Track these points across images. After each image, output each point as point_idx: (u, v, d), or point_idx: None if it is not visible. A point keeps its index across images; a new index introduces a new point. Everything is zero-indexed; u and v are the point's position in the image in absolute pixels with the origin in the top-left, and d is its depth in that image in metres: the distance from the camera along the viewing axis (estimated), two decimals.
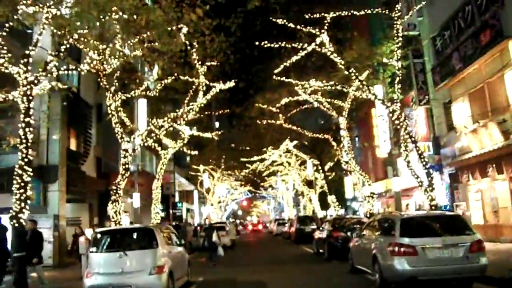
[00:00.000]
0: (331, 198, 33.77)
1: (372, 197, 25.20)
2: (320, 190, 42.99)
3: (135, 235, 12.60)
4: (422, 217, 12.10)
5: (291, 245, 33.95)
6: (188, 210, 58.40)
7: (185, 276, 14.06)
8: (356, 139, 42.34)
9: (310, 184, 45.14)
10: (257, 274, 16.82)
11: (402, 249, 10.39)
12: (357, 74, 19.04)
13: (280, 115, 26.69)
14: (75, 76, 24.21)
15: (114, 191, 17.66)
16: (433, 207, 16.90)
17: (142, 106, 21.64)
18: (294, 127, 27.62)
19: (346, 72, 18.66)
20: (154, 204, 23.92)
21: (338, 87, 22.83)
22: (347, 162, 26.15)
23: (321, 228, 22.81)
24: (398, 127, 18.69)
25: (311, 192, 43.82)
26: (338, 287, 13.53)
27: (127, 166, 17.85)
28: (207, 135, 26.20)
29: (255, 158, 40.67)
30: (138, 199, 21.45)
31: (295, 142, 37.11)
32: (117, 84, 18.62)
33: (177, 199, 52.67)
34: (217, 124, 50.69)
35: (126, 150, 17.99)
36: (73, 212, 26.29)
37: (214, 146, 43.43)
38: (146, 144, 21.98)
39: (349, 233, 19.11)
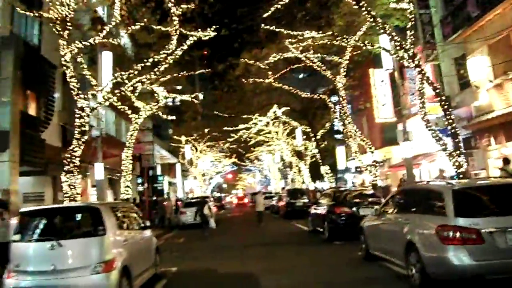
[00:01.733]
0: (325, 169, 30.70)
1: (375, 166, 22.11)
2: (310, 161, 39.95)
3: (75, 217, 9.13)
4: (484, 187, 8.41)
5: (280, 221, 30.87)
6: (170, 184, 55.45)
7: (151, 269, 10.79)
8: (349, 106, 39.07)
9: (299, 154, 42.02)
10: (245, 262, 13.60)
11: (460, 235, 7.11)
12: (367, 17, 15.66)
13: (269, 73, 23.17)
14: (36, 30, 20.81)
15: (68, 159, 14.30)
16: (461, 175, 13.79)
17: (106, 60, 18.03)
18: (285, 87, 24.00)
19: (356, 6, 15.15)
20: (124, 176, 20.58)
21: (334, 42, 19.54)
22: (344, 125, 22.82)
23: (318, 203, 19.62)
24: (418, 80, 15.43)
25: (301, 163, 40.64)
26: (357, 285, 9.82)
27: (83, 128, 14.49)
28: (186, 97, 22.68)
29: (241, 126, 37.35)
30: (101, 170, 18.07)
31: (284, 108, 33.86)
32: (71, 28, 15.06)
33: (158, 172, 49.82)
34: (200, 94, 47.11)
35: (81, 109, 14.61)
36: (33, 187, 22.94)
37: (196, 113, 39.92)
38: (112, 104, 18.69)
39: (354, 209, 15.96)
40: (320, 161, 31.26)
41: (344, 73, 22.07)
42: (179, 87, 22.89)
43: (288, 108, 33.80)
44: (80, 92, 14.77)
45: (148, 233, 11.11)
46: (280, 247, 16.33)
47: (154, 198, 30.18)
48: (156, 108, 21.65)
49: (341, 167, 43.20)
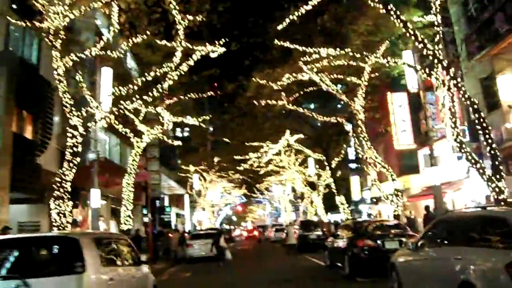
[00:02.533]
0: (340, 199, 28.98)
1: (397, 195, 20.34)
2: (324, 191, 38.15)
3: (48, 250, 7.44)
4: None
5: (294, 255, 28.93)
6: (178, 215, 53.74)
7: None
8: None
9: (311, 185, 40.28)
10: None
11: None
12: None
13: (283, 94, 21.58)
14: (35, 48, 19.62)
15: (58, 184, 12.73)
16: (502, 202, 12.07)
17: (105, 76, 16.60)
18: (299, 109, 22.35)
19: (383, 10, 13.68)
20: (125, 205, 18.98)
21: (352, 62, 18.13)
22: (363, 151, 21.10)
23: (335, 235, 17.84)
24: (446, 100, 13.84)
25: (313, 194, 38.82)
26: None
27: (75, 149, 12.96)
28: (193, 121, 21.16)
29: (251, 155, 35.73)
30: (97, 197, 16.45)
31: (297, 136, 32.28)
32: (64, 38, 13.69)
33: (166, 203, 48.32)
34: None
35: (74, 127, 13.10)
36: (29, 215, 21.44)
37: (205, 139, 38.42)
38: (114, 128, 17.27)
39: (378, 242, 14.19)
40: (335, 191, 29.50)
41: (363, 95, 20.50)
42: (188, 118, 21.41)
43: (301, 136, 32.20)
44: (73, 109, 13.30)
45: (143, 269, 9.46)
46: (295, 285, 14.53)
47: (159, 230, 28.39)
48: (160, 132, 20.14)
49: (356, 197, 41.34)
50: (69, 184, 13.02)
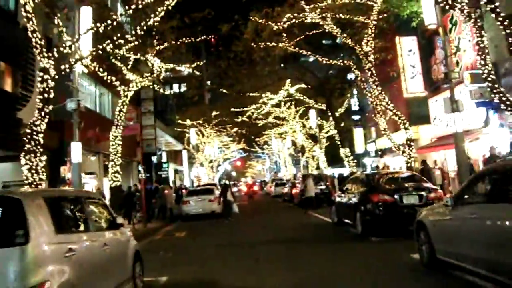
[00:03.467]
0: (344, 151, 27.33)
1: (410, 145, 18.65)
2: (326, 144, 36.51)
3: None
4: None
5: (295, 210, 27.48)
6: (176, 171, 52.42)
7: (127, 283, 7.50)
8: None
9: (313, 138, 38.59)
10: (261, 268, 10.17)
11: None
12: None
13: (284, 34, 19.48)
14: None
15: (28, 136, 10.98)
16: None
17: (85, 17, 14.52)
18: (303, 51, 20.23)
19: None
20: (112, 160, 17.31)
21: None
22: (373, 97, 19.21)
23: (344, 189, 16.22)
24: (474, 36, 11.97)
25: (315, 147, 37.15)
26: None
27: (46, 95, 11.13)
28: (183, 68, 19.25)
29: (250, 107, 33.90)
30: (77, 151, 14.62)
31: (298, 86, 30.36)
32: None
33: (164, 159, 46.91)
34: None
35: (44, 70, 11.22)
36: (12, 174, 19.88)
37: (203, 95, 36.52)
38: (101, 78, 15.47)
39: (396, 196, 12.55)
40: (339, 142, 27.81)
41: (373, 36, 18.52)
42: (181, 66, 19.38)
43: (303, 85, 30.26)
44: (44, 50, 11.43)
45: (121, 234, 7.78)
46: (304, 245, 12.92)
47: (154, 185, 26.74)
48: (150, 80, 18.27)
49: (359, 150, 39.67)
50: (41, 136, 11.28)
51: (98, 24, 12.51)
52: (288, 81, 29.51)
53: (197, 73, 20.15)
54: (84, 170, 25.43)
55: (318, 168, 40.17)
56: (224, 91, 30.39)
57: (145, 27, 13.35)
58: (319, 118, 34.21)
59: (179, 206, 26.05)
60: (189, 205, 24.97)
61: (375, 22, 18.22)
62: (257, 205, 36.68)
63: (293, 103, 36.10)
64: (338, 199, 16.50)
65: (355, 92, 33.11)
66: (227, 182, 32.80)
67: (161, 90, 20.48)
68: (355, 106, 39.70)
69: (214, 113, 43.91)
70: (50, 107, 11.44)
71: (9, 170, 19.91)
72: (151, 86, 19.77)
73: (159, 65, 18.19)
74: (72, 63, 11.84)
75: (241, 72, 25.96)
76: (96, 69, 16.51)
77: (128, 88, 17.34)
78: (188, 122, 44.31)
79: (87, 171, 25.50)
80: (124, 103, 17.34)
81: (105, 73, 16.94)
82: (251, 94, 29.54)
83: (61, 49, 11.41)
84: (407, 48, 25.44)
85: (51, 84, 11.29)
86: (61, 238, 5.57)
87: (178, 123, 44.35)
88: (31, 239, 4.95)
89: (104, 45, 12.53)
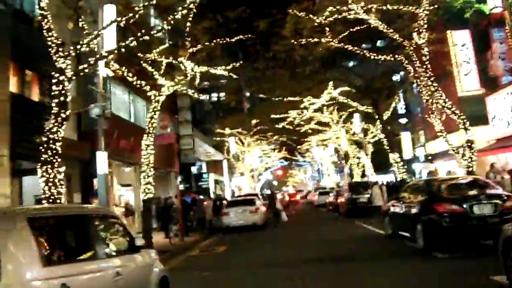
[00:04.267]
0: (394, 157, 25.47)
1: (471, 147, 16.78)
2: (372, 149, 34.65)
3: None
4: None
5: (342, 220, 25.79)
6: (217, 181, 51.26)
7: None
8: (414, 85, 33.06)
9: (357, 144, 36.75)
10: None
11: None
12: None
13: (327, 29, 17.80)
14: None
15: (45, 145, 9.76)
16: None
17: (108, 15, 13.33)
18: (348, 47, 18.48)
19: None
20: (144, 171, 16.06)
21: None
22: (429, 94, 17.33)
23: (399, 198, 14.50)
24: None
25: (361, 153, 35.27)
26: None
27: (62, 99, 9.88)
28: (219, 71, 17.87)
29: (291, 112, 32.33)
30: (104, 160, 13.42)
31: (341, 89, 28.65)
32: None
33: (204, 170, 45.99)
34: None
35: (61, 71, 9.97)
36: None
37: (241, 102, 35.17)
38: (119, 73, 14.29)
39: (465, 206, 10.80)
40: (388, 147, 25.98)
41: (425, 27, 16.75)
42: (215, 68, 18.06)
43: (347, 88, 28.52)
44: (60, 49, 10.21)
45: (142, 258, 6.36)
46: (358, 264, 11.22)
47: (190, 197, 25.38)
48: (181, 84, 16.95)
49: (407, 156, 37.56)
50: (58, 144, 10.05)
51: (120, 18, 11.15)
52: (331, 83, 27.80)
53: (234, 76, 18.68)
54: (120, 182, 24.54)
55: (363, 175, 38.30)
56: (263, 96, 28.94)
57: (172, 22, 11.93)
58: (363, 122, 32.43)
59: (218, 218, 24.66)
60: (228, 216, 23.56)
61: (427, 12, 16.46)
62: (301, 215, 35.04)
63: (336, 107, 34.44)
64: (392, 209, 14.78)
65: (401, 94, 31.19)
66: (275, 191, 32.12)
67: (196, 95, 19.09)
68: (401, 109, 37.80)
69: (253, 121, 42.68)
70: (68, 112, 10.18)
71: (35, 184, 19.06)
72: (185, 92, 18.41)
73: (192, 68, 16.89)
74: (92, 62, 10.55)
75: (281, 74, 24.26)
76: (125, 73, 15.30)
77: (159, 93, 16.06)
78: (227, 131, 43.17)
79: (123, 183, 24.53)
80: (155, 109, 16.06)
81: (134, 78, 15.72)
82: (291, 98, 27.93)
83: (79, 47, 10.12)
84: (460, 43, 23.51)
85: (68, 86, 10.04)
86: (51, 271, 4.19)
87: (217, 132, 43.30)
88: (2, 277, 3.59)
89: (128, 42, 11.19)
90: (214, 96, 61.74)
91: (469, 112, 24.82)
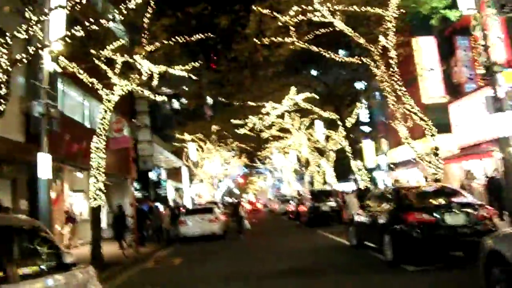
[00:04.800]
0: (356, 164, 24.97)
1: (437, 155, 16.29)
2: (334, 156, 34.08)
3: None
4: None
5: (304, 229, 25.08)
6: (176, 189, 49.97)
7: None
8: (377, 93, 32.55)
9: (319, 151, 36.11)
10: None
11: None
12: None
13: (292, 28, 17.00)
14: None
15: None
16: None
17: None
18: (313, 47, 17.75)
19: None
20: (94, 176, 14.90)
21: None
22: (396, 99, 16.78)
23: (364, 206, 13.81)
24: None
25: (322, 160, 34.63)
26: None
27: None
28: (177, 71, 16.81)
29: (252, 118, 31.44)
30: (47, 163, 12.25)
31: (304, 95, 27.93)
32: None
33: (164, 177, 44.71)
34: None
35: None
36: None
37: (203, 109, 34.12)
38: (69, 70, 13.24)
39: (435, 215, 10.13)
40: (351, 155, 25.45)
41: (393, 29, 16.20)
42: (174, 68, 17.01)
43: (308, 94, 27.81)
44: None
45: (72, 277, 5.34)
46: (323, 278, 10.41)
47: (144, 205, 24.18)
48: (137, 82, 15.88)
49: (370, 164, 37.15)
50: None
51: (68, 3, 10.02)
52: (293, 88, 27.10)
53: (193, 77, 17.67)
54: (72, 188, 23.22)
55: (325, 183, 37.70)
56: (224, 100, 27.99)
57: (125, 12, 10.93)
58: (324, 130, 31.84)
59: (175, 227, 23.57)
60: (186, 225, 22.47)
61: (395, 15, 15.91)
62: (262, 224, 34.18)
63: (297, 115, 33.77)
64: (357, 218, 14.10)
65: (364, 102, 30.70)
66: (239, 199, 31.73)
67: (153, 96, 17.97)
68: (365, 117, 37.43)
69: (214, 127, 41.69)
70: (2, 107, 9.05)
71: None
72: (141, 92, 17.30)
73: (149, 67, 15.85)
74: (32, 51, 9.43)
75: (243, 76, 23.25)
76: (75, 70, 14.18)
77: (111, 91, 14.95)
78: (187, 136, 42.01)
79: (75, 188, 23.22)
80: (106, 109, 14.93)
81: (85, 75, 14.59)
82: (252, 103, 27.10)
83: (16, 32, 8.98)
84: (425, 49, 23.14)
85: (3, 78, 8.91)
86: None
87: (177, 137, 42.12)
88: None
89: (76, 30, 10.12)
90: (175, 103, 60.65)
91: (432, 119, 24.58)
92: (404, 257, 10.45)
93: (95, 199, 14.82)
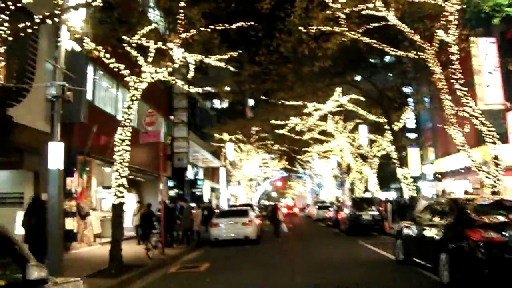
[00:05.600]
0: (403, 172, 23.23)
1: (497, 164, 14.55)
2: (377, 164, 32.37)
3: None
4: None
5: (343, 238, 23.46)
6: (213, 189, 49.10)
7: None
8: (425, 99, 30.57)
9: (362, 157, 34.36)
10: None
11: None
12: None
13: (341, 15, 15.35)
14: None
15: None
16: None
17: None
18: (365, 39, 16.04)
19: None
20: (117, 170, 13.70)
21: None
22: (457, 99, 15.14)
23: (415, 219, 12.22)
24: None
25: (365, 166, 32.83)
26: None
27: None
28: (213, 61, 15.45)
29: (293, 119, 30.04)
30: (58, 152, 11.04)
31: (349, 96, 26.31)
32: None
33: (201, 176, 43.84)
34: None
35: None
36: (12, 185, 16.86)
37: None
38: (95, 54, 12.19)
39: (506, 234, 8.51)
40: (398, 162, 23.74)
41: (455, 22, 14.52)
42: (209, 57, 15.68)
43: (354, 96, 26.15)
44: None
45: None
46: None
47: (173, 204, 22.94)
48: (169, 70, 14.60)
49: (415, 173, 35.21)
50: None
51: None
52: (339, 89, 25.51)
53: (232, 68, 16.31)
54: (102, 184, 22.26)
55: (366, 191, 35.92)
56: (264, 98, 26.59)
57: None
58: (370, 134, 30.12)
59: (207, 229, 22.36)
60: (218, 228, 21.17)
61: (457, 7, 14.24)
62: (299, 229, 32.65)
63: (341, 117, 32.14)
64: (406, 231, 12.52)
65: (412, 106, 28.83)
66: (276, 203, 33.35)
67: (186, 87, 16.68)
68: (411, 123, 35.48)
69: (254, 128, 40.49)
70: None
71: (7, 181, 16.89)
72: (173, 82, 16.04)
73: (184, 56, 14.60)
74: (38, 19, 8.26)
75: (286, 69, 21.49)
76: (101, 54, 13.04)
77: (140, 79, 13.73)
78: (226, 136, 40.94)
79: (104, 184, 22.24)
80: (133, 98, 13.71)
81: (112, 60, 13.43)
82: (295, 103, 25.63)
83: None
84: (484, 51, 21.16)
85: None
86: None
87: (216, 137, 41.10)
88: None
89: (96, 3, 8.92)
90: (215, 102, 59.98)
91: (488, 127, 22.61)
92: (464, 281, 8.88)
93: (117, 196, 13.62)
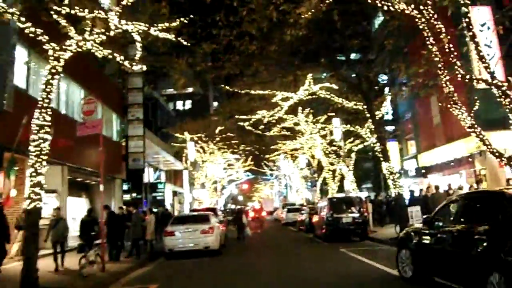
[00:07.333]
0: (388, 167, 20.26)
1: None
2: (353, 159, 29.53)
3: None
4: None
5: (321, 246, 20.29)
6: (175, 193, 46.03)
7: None
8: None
9: (336, 154, 31.32)
10: None
11: None
12: None
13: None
14: None
15: None
16: None
17: None
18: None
19: None
20: (32, 165, 10.17)
21: None
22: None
23: (430, 221, 9.05)
24: None
25: (341, 164, 29.74)
26: None
27: None
28: (160, 32, 12.03)
29: (260, 112, 27.07)
30: None
31: (321, 85, 23.29)
32: None
33: (163, 179, 41.00)
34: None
35: None
36: None
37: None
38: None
39: None
40: (381, 154, 20.78)
41: None
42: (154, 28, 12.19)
43: (328, 84, 23.18)
44: None
45: None
46: None
47: (123, 211, 18.97)
48: (101, 40, 11.11)
49: (394, 168, 32.45)
50: None
51: None
52: (310, 75, 22.45)
53: (184, 42, 12.93)
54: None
55: (340, 190, 32.88)
56: (224, 86, 23.40)
57: None
58: (347, 124, 27.09)
59: (159, 239, 18.91)
60: (173, 237, 17.51)
61: None
62: (268, 236, 29.44)
63: (311, 111, 29.18)
64: (417, 238, 9.34)
65: (390, 94, 25.82)
66: (242, 207, 34.92)
67: (129, 65, 13.22)
68: (388, 115, 32.57)
69: (219, 128, 37.51)
70: None
71: None
72: (110, 56, 12.53)
73: (123, 23, 11.21)
74: None
75: (251, 49, 17.82)
76: (12, 16, 9.63)
77: (62, 46, 10.26)
78: (188, 136, 37.95)
79: (47, 188, 18.58)
80: (53, 71, 10.23)
81: (29, 24, 9.97)
82: (261, 92, 22.52)
83: None
84: (479, 22, 18.28)
85: None
86: None
87: (177, 137, 38.14)
88: None
89: None
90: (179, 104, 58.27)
91: (482, 114, 19.72)
92: None
93: (31, 199, 10.10)
